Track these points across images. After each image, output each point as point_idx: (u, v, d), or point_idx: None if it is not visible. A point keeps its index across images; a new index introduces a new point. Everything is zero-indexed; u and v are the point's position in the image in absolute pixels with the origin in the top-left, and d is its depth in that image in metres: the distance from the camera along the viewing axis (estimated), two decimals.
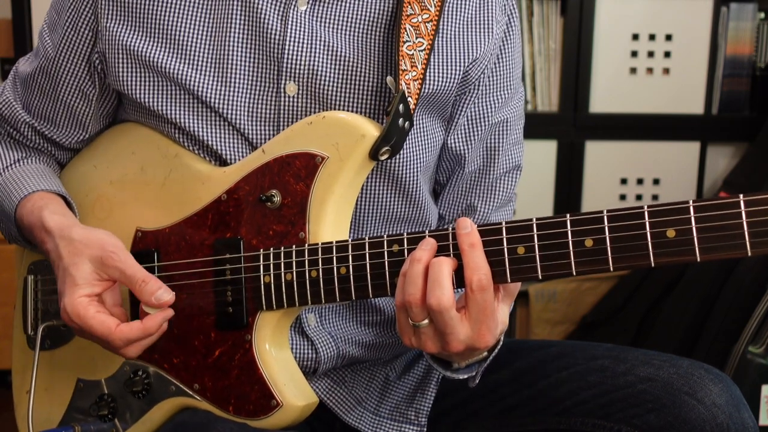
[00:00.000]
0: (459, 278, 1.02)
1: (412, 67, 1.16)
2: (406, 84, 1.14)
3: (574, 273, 0.99)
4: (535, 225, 1.01)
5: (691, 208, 0.94)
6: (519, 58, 1.31)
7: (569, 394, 1.22)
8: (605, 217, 0.98)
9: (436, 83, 1.20)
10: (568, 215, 1.00)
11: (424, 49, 1.17)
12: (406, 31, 1.16)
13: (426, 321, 1.02)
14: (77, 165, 1.34)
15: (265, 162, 1.16)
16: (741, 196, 0.92)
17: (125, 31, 1.20)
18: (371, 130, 1.12)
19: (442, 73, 1.21)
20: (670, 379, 1.16)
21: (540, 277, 1.01)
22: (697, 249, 0.94)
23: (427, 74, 1.19)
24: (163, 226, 1.22)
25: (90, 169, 1.31)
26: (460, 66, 1.22)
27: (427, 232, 1.06)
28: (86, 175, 1.31)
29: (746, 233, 0.92)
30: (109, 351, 1.15)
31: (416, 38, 1.17)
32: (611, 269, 0.98)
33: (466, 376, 1.14)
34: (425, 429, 1.29)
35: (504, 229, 1.02)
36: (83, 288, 1.12)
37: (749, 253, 0.92)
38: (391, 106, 1.12)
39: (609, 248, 0.98)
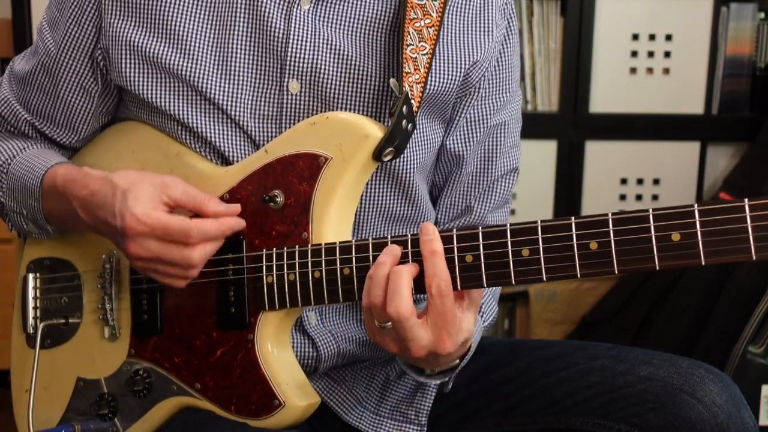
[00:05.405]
0: (420, 285, 1.03)
1: (414, 70, 1.16)
2: (409, 86, 1.15)
3: (579, 275, 1.00)
4: (539, 228, 1.01)
5: (696, 212, 0.95)
6: (517, 62, 1.32)
7: (569, 394, 1.23)
8: (610, 221, 0.98)
9: (437, 85, 1.21)
10: (573, 218, 1.00)
11: (427, 53, 1.17)
12: (409, 34, 1.17)
13: (390, 323, 1.03)
14: (77, 164, 1.33)
15: (268, 162, 1.16)
16: (746, 200, 0.93)
17: (129, 27, 1.20)
18: (375, 131, 1.12)
19: (444, 75, 1.22)
20: (670, 378, 1.17)
21: (544, 279, 1.01)
22: (701, 252, 0.95)
23: (429, 77, 1.19)
24: None
25: None
26: (460, 68, 1.23)
27: (389, 237, 1.07)
28: None
29: (751, 237, 0.93)
30: (169, 262, 1.11)
31: (419, 42, 1.17)
32: (616, 272, 0.98)
33: (439, 381, 1.16)
34: (425, 428, 1.29)
35: (509, 231, 1.02)
36: (150, 201, 1.10)
37: (754, 257, 0.93)
38: (395, 107, 1.12)
39: (614, 251, 0.98)
